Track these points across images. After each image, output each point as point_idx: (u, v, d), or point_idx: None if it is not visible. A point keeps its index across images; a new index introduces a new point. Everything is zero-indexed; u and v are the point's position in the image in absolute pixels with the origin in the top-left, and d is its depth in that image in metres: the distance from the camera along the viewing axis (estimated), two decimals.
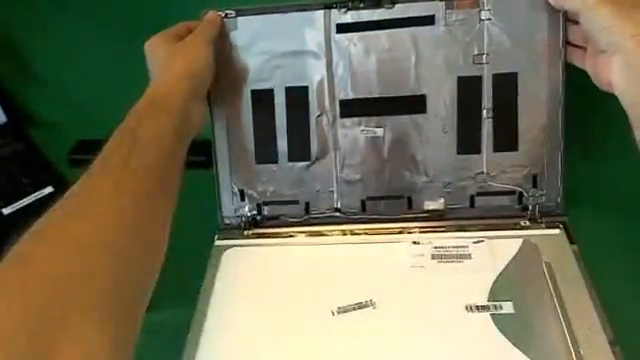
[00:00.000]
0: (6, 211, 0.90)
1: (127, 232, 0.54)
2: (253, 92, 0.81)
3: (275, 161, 0.82)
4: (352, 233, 0.80)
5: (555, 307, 0.66)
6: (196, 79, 0.72)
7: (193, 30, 0.77)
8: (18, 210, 0.90)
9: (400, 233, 0.79)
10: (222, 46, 0.80)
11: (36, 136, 1.06)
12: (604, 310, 0.66)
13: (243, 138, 0.82)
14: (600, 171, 0.83)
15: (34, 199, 0.91)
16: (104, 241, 0.51)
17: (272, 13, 0.79)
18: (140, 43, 1.00)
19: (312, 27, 0.79)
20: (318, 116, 0.80)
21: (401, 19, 0.77)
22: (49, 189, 0.93)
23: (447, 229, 0.79)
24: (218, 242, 0.81)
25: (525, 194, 0.79)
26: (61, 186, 0.93)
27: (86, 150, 1.01)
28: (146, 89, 0.71)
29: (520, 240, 0.75)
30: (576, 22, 0.70)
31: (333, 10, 0.78)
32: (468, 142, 0.79)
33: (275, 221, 0.83)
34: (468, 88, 0.77)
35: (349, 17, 0.78)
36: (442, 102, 0.78)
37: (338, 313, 0.69)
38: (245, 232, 0.82)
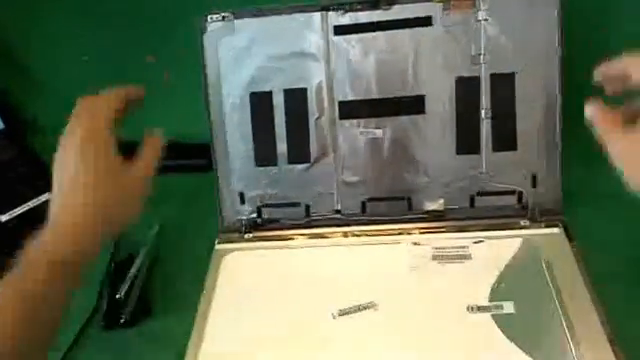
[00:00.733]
0: (4, 218, 0.90)
1: None
2: (252, 95, 0.82)
3: (275, 163, 0.83)
4: (353, 235, 0.81)
5: (555, 306, 0.67)
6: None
7: (120, 102, 0.68)
8: (16, 217, 0.90)
9: (400, 234, 0.80)
10: (221, 49, 0.81)
11: (34, 142, 1.06)
12: (604, 308, 0.66)
13: (242, 141, 0.83)
14: (598, 169, 0.83)
15: (32, 206, 0.92)
16: None
17: (270, 16, 0.80)
18: (140, 48, 1.01)
19: (310, 29, 0.80)
20: (317, 118, 0.81)
21: (399, 20, 0.78)
22: (47, 195, 0.93)
23: (447, 229, 0.80)
24: (218, 246, 0.82)
25: (524, 193, 0.80)
26: None
27: None
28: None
29: (520, 239, 0.76)
30: None
31: (331, 12, 0.79)
32: (467, 142, 0.80)
33: (275, 224, 0.84)
34: (466, 88, 0.79)
35: (347, 19, 0.79)
36: (441, 103, 0.79)
37: (339, 315, 0.70)
38: (245, 235, 0.83)
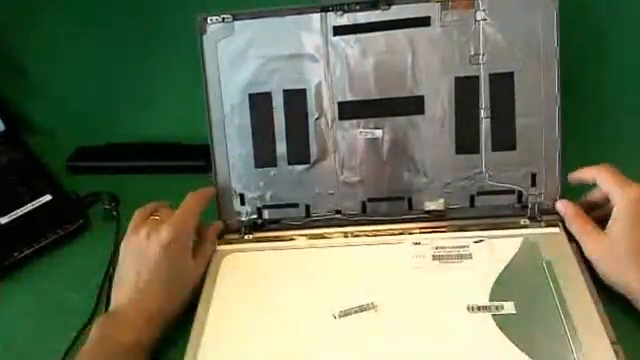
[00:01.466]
0: (3, 220, 0.90)
1: None
2: (251, 96, 0.82)
3: (274, 164, 0.82)
4: (353, 235, 0.81)
5: (556, 306, 0.66)
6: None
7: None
8: (16, 219, 0.90)
9: (401, 234, 0.80)
10: (220, 50, 0.81)
11: (33, 144, 1.06)
12: (605, 308, 0.66)
13: (242, 142, 0.82)
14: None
15: (32, 208, 0.91)
16: None
17: (269, 17, 0.80)
18: (137, 49, 1.01)
19: (309, 30, 0.80)
20: (317, 119, 0.81)
21: (397, 20, 0.78)
22: (47, 197, 0.93)
23: (447, 229, 0.80)
24: (218, 247, 0.81)
25: (524, 193, 0.80)
26: (59, 194, 0.93)
27: (84, 157, 1.02)
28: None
29: (520, 239, 0.75)
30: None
31: (329, 13, 0.79)
32: (466, 142, 0.80)
33: (275, 224, 0.84)
34: (465, 88, 0.79)
35: (345, 19, 0.79)
36: (440, 103, 0.79)
37: (340, 316, 0.69)
38: (245, 236, 0.83)
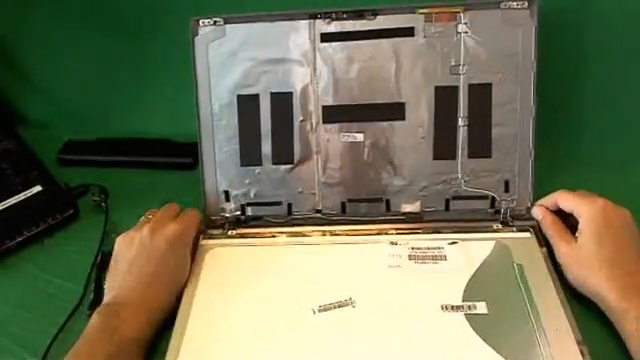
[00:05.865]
0: None
1: None
2: (239, 97, 0.79)
3: (259, 164, 0.80)
4: (332, 234, 0.79)
5: (526, 307, 0.65)
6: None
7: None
8: (8, 207, 0.87)
9: (378, 234, 0.78)
10: (211, 52, 0.79)
11: (25, 136, 1.03)
12: (572, 310, 0.65)
13: (229, 141, 0.80)
14: (569, 177, 0.83)
15: (24, 197, 0.88)
16: None
17: (259, 22, 0.78)
18: (130, 44, 0.99)
19: (297, 36, 0.77)
20: (301, 121, 0.79)
21: (382, 30, 0.77)
22: (39, 187, 0.89)
23: (423, 231, 0.78)
24: (202, 242, 0.78)
25: (497, 199, 0.78)
26: (50, 184, 0.90)
27: (74, 150, 1.00)
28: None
29: (492, 242, 0.74)
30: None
31: (318, 20, 0.77)
32: (444, 148, 0.78)
33: (258, 221, 0.82)
34: (445, 97, 0.77)
35: (333, 27, 0.77)
36: (420, 110, 0.78)
37: (319, 311, 0.67)
38: (229, 232, 0.80)
